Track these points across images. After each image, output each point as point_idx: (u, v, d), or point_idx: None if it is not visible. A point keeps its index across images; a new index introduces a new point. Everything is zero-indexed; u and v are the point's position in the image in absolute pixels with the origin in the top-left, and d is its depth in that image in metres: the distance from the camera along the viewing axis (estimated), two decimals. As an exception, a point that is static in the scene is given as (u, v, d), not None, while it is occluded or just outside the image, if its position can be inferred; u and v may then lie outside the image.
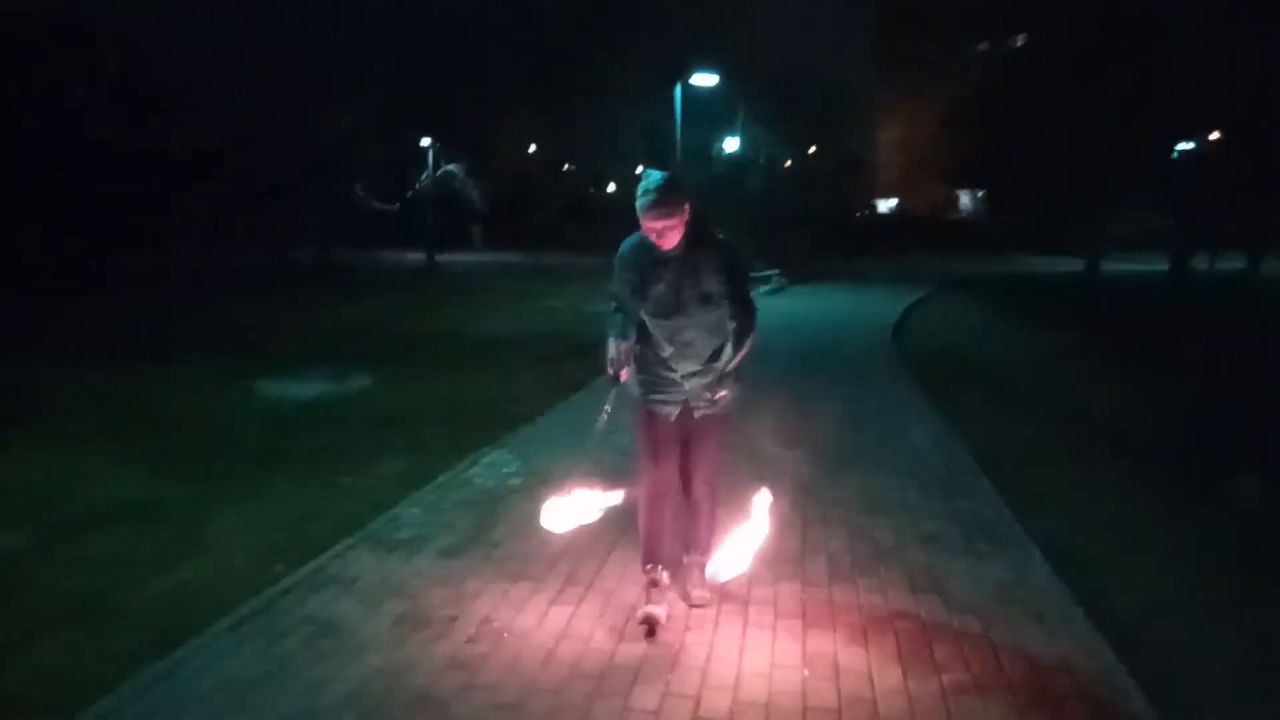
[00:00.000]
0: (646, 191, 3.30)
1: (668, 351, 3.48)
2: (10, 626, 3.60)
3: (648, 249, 3.41)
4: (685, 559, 3.74)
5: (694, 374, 3.48)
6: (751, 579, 3.93)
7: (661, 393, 3.52)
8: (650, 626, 3.44)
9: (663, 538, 3.61)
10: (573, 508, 3.49)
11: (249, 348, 11.29)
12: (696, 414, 3.52)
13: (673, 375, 3.49)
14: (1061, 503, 5.25)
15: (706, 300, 3.40)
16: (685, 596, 3.70)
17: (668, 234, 3.33)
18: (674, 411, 3.52)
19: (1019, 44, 35.18)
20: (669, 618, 3.54)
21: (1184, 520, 5.08)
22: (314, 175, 25.86)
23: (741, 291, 3.46)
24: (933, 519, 4.81)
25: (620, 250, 3.53)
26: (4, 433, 6.75)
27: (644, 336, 3.51)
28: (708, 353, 3.46)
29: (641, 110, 27.27)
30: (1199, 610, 3.86)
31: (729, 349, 3.47)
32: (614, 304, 3.53)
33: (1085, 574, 4.07)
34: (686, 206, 3.33)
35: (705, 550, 3.70)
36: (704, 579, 3.70)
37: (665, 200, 3.28)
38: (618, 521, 4.02)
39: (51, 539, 4.58)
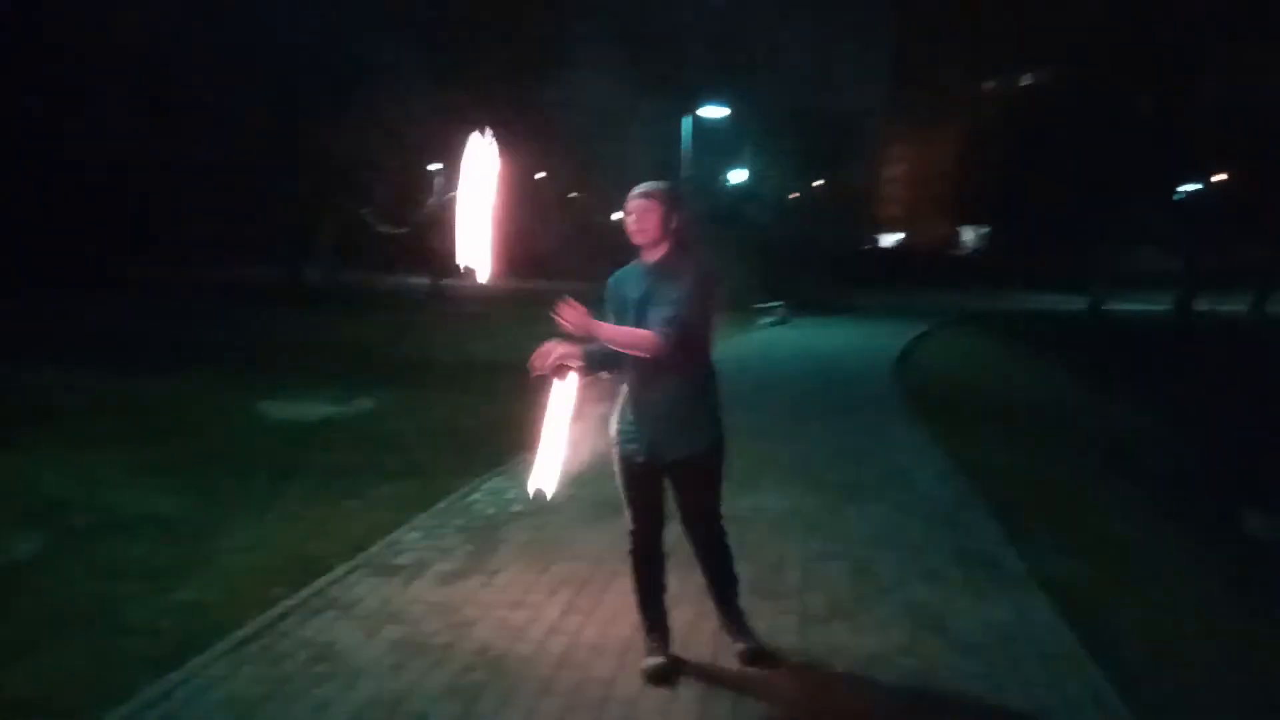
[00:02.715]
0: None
1: (634, 380, 3.28)
2: (15, 634, 3.60)
3: (632, 267, 3.35)
4: (720, 618, 3.57)
5: (657, 405, 3.24)
6: (751, 613, 3.91)
7: (632, 432, 3.31)
8: (659, 679, 3.29)
9: (657, 593, 3.48)
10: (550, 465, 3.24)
11: (256, 364, 11.34)
12: (669, 457, 3.26)
13: (640, 410, 3.28)
14: (1066, 538, 5.22)
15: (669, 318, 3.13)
16: (740, 656, 3.45)
17: (641, 219, 3.22)
18: (639, 452, 3.28)
19: (1027, 82, 35.48)
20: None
21: (1192, 555, 5.06)
22: (327, 194, 26.04)
23: (687, 312, 3.11)
24: (935, 555, 4.79)
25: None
26: (16, 435, 6.82)
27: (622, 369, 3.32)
28: (672, 382, 3.22)
29: (650, 140, 27.45)
30: (1207, 651, 3.84)
31: (697, 387, 3.25)
32: None
33: (1091, 613, 4.04)
34: (670, 205, 3.25)
35: (730, 602, 3.55)
36: (742, 632, 3.50)
37: (649, 188, 3.28)
38: (618, 549, 4.00)
39: (58, 547, 4.59)
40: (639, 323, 3.17)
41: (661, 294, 3.16)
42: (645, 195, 3.27)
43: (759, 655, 3.43)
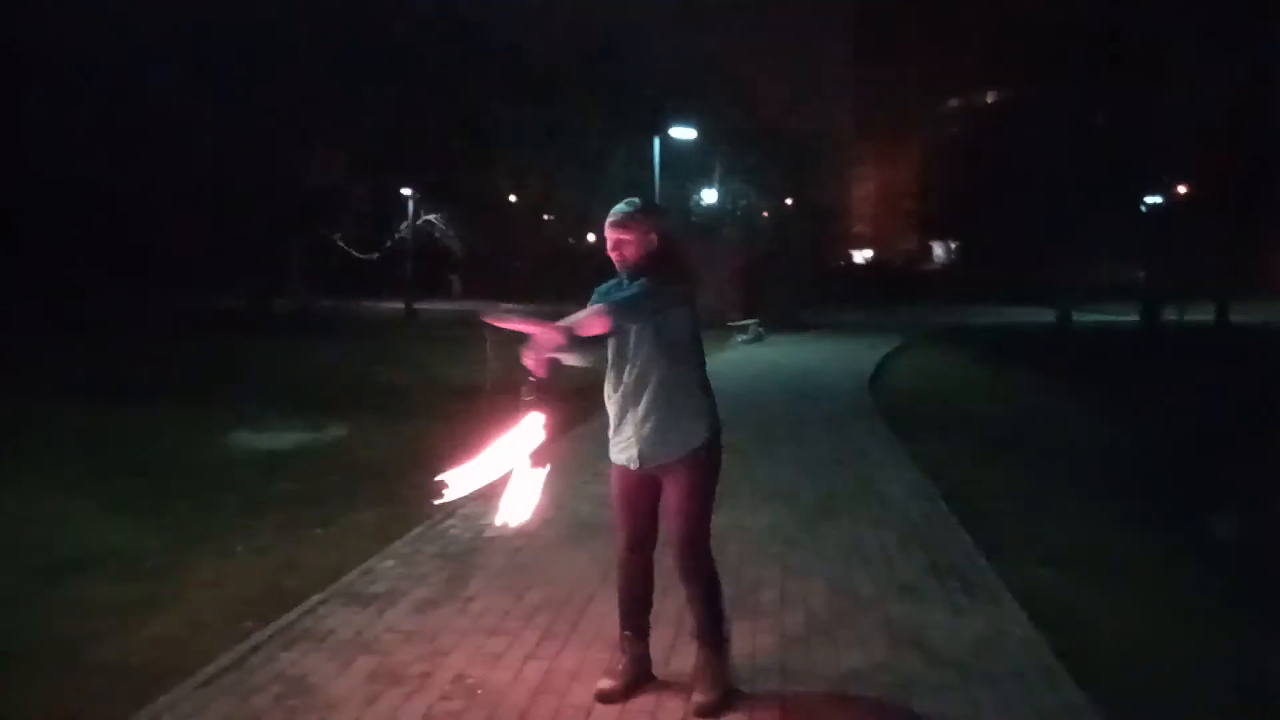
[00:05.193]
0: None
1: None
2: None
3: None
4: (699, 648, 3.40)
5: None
6: (730, 633, 3.90)
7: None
8: (606, 699, 3.28)
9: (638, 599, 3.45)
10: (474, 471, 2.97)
11: (226, 394, 11.18)
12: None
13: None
14: (1039, 548, 5.26)
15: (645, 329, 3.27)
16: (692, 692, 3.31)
17: (620, 247, 3.23)
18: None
19: (990, 99, 36.05)
20: (637, 682, 3.37)
21: (1164, 561, 5.10)
22: (297, 220, 25.91)
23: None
24: (910, 569, 4.80)
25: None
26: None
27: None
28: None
29: (621, 161, 27.59)
30: (1181, 657, 3.86)
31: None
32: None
33: (1065, 623, 4.06)
34: (647, 226, 3.25)
35: (704, 642, 3.37)
36: (710, 682, 3.30)
37: (622, 215, 3.24)
38: (596, 572, 3.99)
39: (24, 585, 4.49)
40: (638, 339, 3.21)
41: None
42: (619, 224, 3.23)
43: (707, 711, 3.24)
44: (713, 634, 3.36)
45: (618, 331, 3.17)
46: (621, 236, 3.24)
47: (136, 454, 7.71)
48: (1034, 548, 5.29)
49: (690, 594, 3.36)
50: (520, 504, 2.97)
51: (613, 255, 3.28)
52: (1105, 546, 5.46)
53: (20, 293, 21.18)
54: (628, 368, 3.27)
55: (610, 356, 3.32)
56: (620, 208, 3.28)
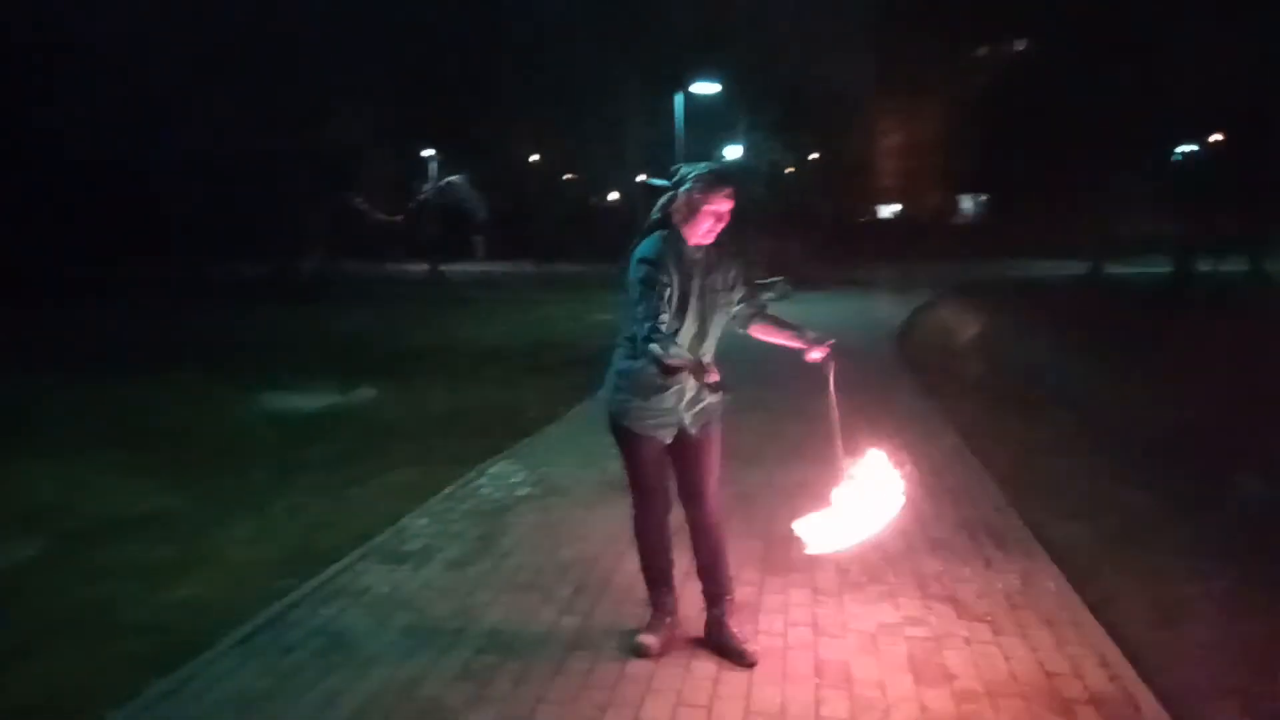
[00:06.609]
0: (717, 170, 3.23)
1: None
2: (17, 638, 3.59)
3: (680, 246, 3.19)
4: (713, 611, 3.41)
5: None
6: (763, 588, 3.93)
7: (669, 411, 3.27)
8: (639, 653, 3.32)
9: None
10: (836, 527, 3.31)
11: (254, 358, 11.31)
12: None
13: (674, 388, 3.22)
14: (1070, 506, 5.22)
15: (728, 304, 3.36)
16: (727, 654, 3.31)
17: (726, 221, 3.22)
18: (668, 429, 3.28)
19: (1019, 48, 35.23)
20: (673, 638, 3.40)
21: (1194, 521, 5.05)
22: (319, 185, 25.93)
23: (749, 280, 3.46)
24: (941, 524, 4.79)
25: (647, 252, 3.15)
26: (11, 442, 6.80)
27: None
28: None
29: (643, 118, 27.32)
30: (1211, 613, 3.83)
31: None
32: (648, 324, 3.02)
33: (1095, 579, 4.05)
34: None
35: (729, 595, 3.44)
36: (745, 633, 3.42)
37: (737, 181, 3.27)
38: (628, 527, 3.98)
39: (59, 550, 4.58)
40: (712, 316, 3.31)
41: (725, 282, 3.39)
42: (734, 195, 3.27)
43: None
44: (729, 586, 3.43)
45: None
46: (731, 207, 3.23)
47: (166, 420, 7.81)
48: (1062, 503, 5.25)
49: (719, 546, 3.40)
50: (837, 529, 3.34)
51: (716, 225, 3.23)
52: (1130, 503, 5.40)
53: (42, 260, 21.41)
54: (704, 333, 3.31)
55: (682, 324, 3.19)
56: (727, 174, 3.27)
